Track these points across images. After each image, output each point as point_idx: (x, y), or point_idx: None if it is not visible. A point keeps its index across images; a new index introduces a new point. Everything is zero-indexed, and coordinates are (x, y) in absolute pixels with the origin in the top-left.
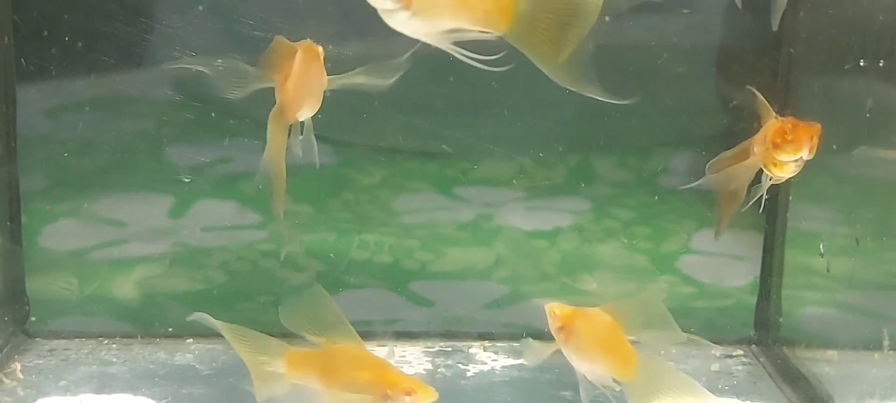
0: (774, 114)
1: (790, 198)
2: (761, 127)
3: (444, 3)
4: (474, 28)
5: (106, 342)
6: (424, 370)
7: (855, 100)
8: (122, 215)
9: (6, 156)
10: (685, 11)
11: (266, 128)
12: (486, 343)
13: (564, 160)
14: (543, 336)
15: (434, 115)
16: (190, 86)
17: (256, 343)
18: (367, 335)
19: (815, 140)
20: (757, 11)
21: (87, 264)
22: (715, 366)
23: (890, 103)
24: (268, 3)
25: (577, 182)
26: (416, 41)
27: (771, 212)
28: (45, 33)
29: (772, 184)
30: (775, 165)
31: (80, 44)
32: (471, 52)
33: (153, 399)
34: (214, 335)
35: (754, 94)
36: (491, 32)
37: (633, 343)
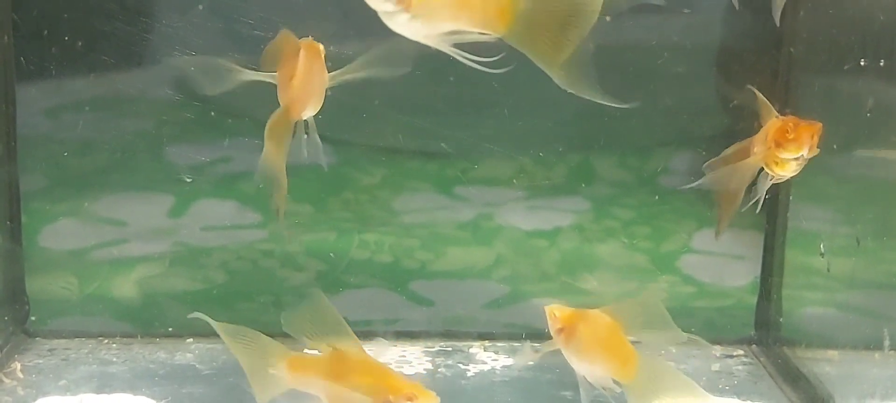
0: (776, 113)
1: (791, 197)
2: (762, 126)
3: (443, 5)
4: (474, 30)
5: (106, 341)
6: (425, 370)
7: (855, 100)
8: (121, 215)
9: (6, 155)
10: (685, 11)
11: (265, 127)
12: (487, 343)
13: (565, 160)
14: (543, 336)
15: (434, 115)
16: (190, 85)
17: (257, 347)
18: (367, 335)
19: (816, 138)
20: (757, 11)
21: (86, 264)
22: (715, 366)
23: (890, 103)
24: (268, 3)
25: (578, 181)
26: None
27: (771, 212)
28: (45, 33)
29: (772, 184)
30: (777, 164)
31: (79, 43)
32: (470, 52)
33: (153, 398)
34: (215, 334)
35: (755, 94)
36: (490, 34)
37: (634, 343)
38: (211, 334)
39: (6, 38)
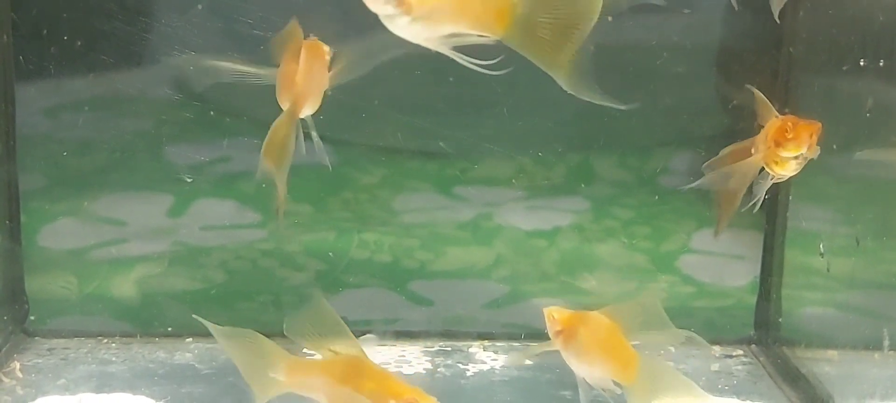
0: (775, 112)
1: (790, 197)
2: (761, 126)
3: (443, 8)
4: (473, 32)
5: (105, 341)
6: (424, 369)
7: (855, 100)
8: (121, 214)
9: (5, 155)
10: (685, 11)
11: (265, 127)
12: (486, 343)
13: (564, 159)
14: (543, 336)
15: (434, 115)
16: (189, 85)
17: (256, 349)
18: (363, 334)
19: (816, 137)
20: (757, 11)
21: (86, 263)
22: (715, 366)
23: (890, 103)
24: (267, 3)
25: (577, 181)
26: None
27: (771, 212)
28: (45, 32)
29: (773, 184)
30: (777, 163)
31: (79, 43)
32: (471, 53)
33: (152, 398)
34: None
35: (754, 94)
36: (490, 36)
37: (633, 345)
38: (210, 334)
39: (5, 37)
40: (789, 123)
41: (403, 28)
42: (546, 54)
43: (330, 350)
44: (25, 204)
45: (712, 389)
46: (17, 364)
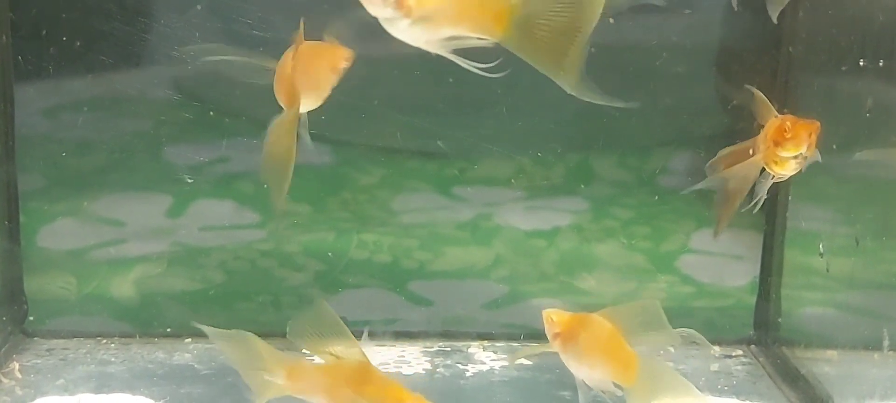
0: (774, 112)
1: (790, 197)
2: (761, 126)
3: (443, 11)
4: (473, 35)
5: (104, 341)
6: (423, 370)
7: (855, 100)
8: (120, 215)
9: (4, 155)
10: (685, 11)
11: (264, 127)
12: (485, 343)
13: (563, 160)
14: (542, 336)
15: (433, 115)
16: (188, 85)
17: (256, 353)
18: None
19: (815, 136)
20: (756, 11)
21: (85, 263)
22: (714, 366)
23: (890, 103)
24: (266, 3)
25: (577, 181)
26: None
27: (770, 212)
28: (44, 32)
29: (773, 184)
30: (776, 163)
31: (78, 43)
32: (470, 55)
33: (151, 398)
34: None
35: (753, 93)
36: (489, 39)
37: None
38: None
39: (4, 37)
40: (788, 123)
41: (403, 31)
42: (545, 57)
43: (332, 355)
44: (24, 204)
45: (712, 389)
46: (16, 365)
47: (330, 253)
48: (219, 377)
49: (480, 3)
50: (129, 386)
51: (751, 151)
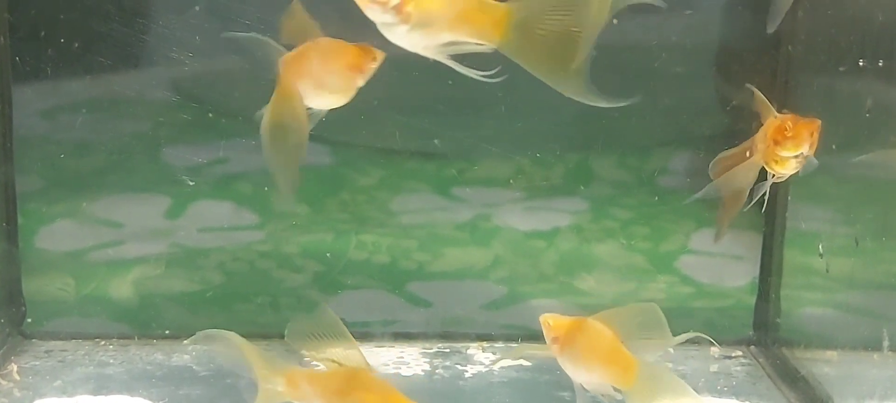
0: (774, 111)
1: (789, 198)
2: (761, 126)
3: (441, 17)
4: (471, 41)
5: (103, 343)
6: (422, 371)
7: (854, 100)
8: (118, 216)
9: (2, 156)
10: (685, 12)
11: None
12: (485, 344)
13: (563, 160)
14: (541, 337)
15: (432, 116)
16: (187, 87)
17: (256, 358)
18: (365, 336)
19: (816, 135)
20: (756, 11)
21: (83, 265)
22: (714, 367)
23: (889, 103)
24: (265, 4)
25: (576, 182)
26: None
27: (770, 213)
28: (42, 34)
29: (773, 183)
30: (777, 162)
31: (76, 44)
32: (470, 59)
33: (150, 400)
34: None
35: (753, 93)
36: (487, 45)
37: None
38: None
39: (2, 39)
40: (788, 122)
41: (401, 37)
42: (544, 63)
43: (333, 361)
44: (23, 205)
45: (711, 390)
46: (15, 367)
47: (328, 254)
48: (217, 378)
49: (479, 9)
50: (127, 388)
51: (747, 154)
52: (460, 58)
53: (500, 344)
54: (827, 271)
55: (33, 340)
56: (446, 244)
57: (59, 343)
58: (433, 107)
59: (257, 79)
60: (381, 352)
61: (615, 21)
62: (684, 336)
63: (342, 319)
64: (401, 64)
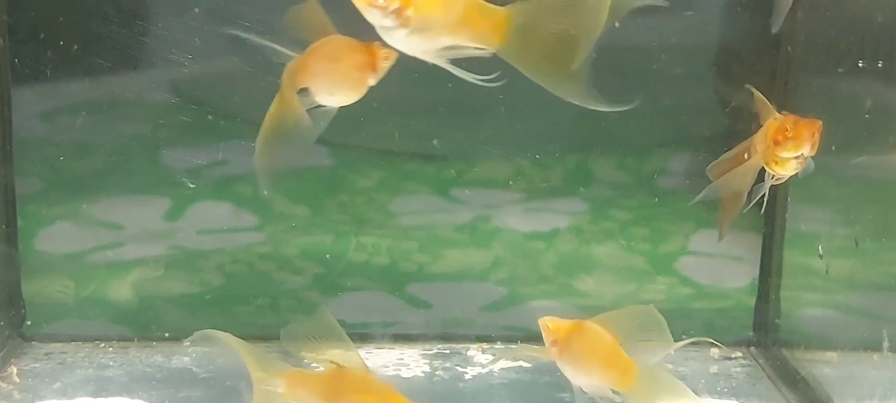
0: (774, 111)
1: (789, 199)
2: (761, 126)
3: (441, 21)
4: (471, 45)
5: (102, 345)
6: (422, 372)
7: (854, 101)
8: (118, 218)
9: (2, 159)
10: (685, 13)
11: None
12: (484, 346)
13: (562, 161)
14: (540, 338)
15: (431, 117)
16: (186, 89)
17: (256, 359)
18: (364, 338)
19: (817, 136)
20: (756, 12)
21: (83, 267)
22: (714, 368)
23: (889, 104)
24: (264, 5)
25: (575, 183)
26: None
27: (770, 214)
28: (41, 36)
29: (773, 184)
30: (777, 163)
31: (75, 46)
32: (468, 63)
33: (149, 402)
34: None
35: (753, 93)
36: (487, 49)
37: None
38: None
39: (1, 41)
40: (789, 123)
41: (400, 40)
42: (543, 67)
43: (332, 363)
44: (22, 207)
45: (711, 391)
46: (14, 369)
47: (328, 256)
48: (217, 380)
49: (478, 13)
50: (127, 390)
51: (746, 155)
52: (459, 61)
53: (499, 346)
54: (827, 272)
55: (33, 342)
56: (446, 245)
57: (59, 345)
58: (433, 108)
59: (257, 81)
60: (381, 354)
61: (617, 23)
62: (685, 341)
63: (342, 321)
64: (400, 65)
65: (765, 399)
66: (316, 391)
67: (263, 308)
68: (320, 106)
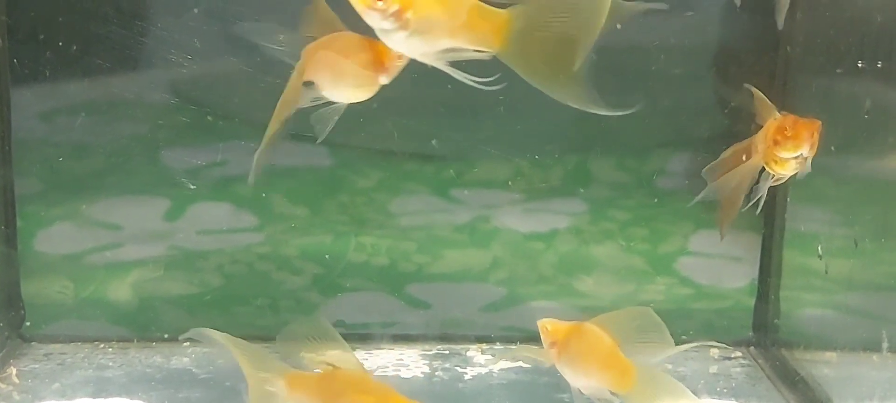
0: (775, 111)
1: (788, 199)
2: (760, 126)
3: (440, 24)
4: (470, 47)
5: (102, 346)
6: (422, 373)
7: (853, 102)
8: (117, 218)
9: (1, 159)
10: (684, 13)
11: (262, 130)
12: (484, 346)
13: (561, 162)
14: (540, 339)
15: (431, 117)
16: (185, 89)
17: (256, 360)
18: (364, 338)
19: (816, 136)
20: (755, 12)
21: (82, 268)
22: (713, 368)
23: (888, 104)
24: (263, 6)
25: (575, 184)
26: None
27: (769, 214)
28: (40, 36)
29: (773, 185)
30: (776, 163)
31: (74, 47)
32: (468, 65)
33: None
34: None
35: (753, 93)
36: (487, 52)
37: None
38: (208, 339)
39: (1, 41)
40: (788, 122)
41: (400, 43)
42: (543, 71)
43: (329, 365)
44: (21, 208)
45: (711, 391)
46: (14, 370)
47: (327, 256)
48: (217, 381)
49: (478, 16)
50: (126, 391)
51: (744, 157)
52: (458, 63)
53: (499, 346)
54: (826, 272)
55: (32, 343)
56: (445, 246)
57: (58, 346)
58: (432, 108)
59: (256, 81)
60: (381, 354)
61: (619, 26)
62: (687, 346)
63: (341, 321)
64: None
65: (764, 400)
66: (313, 391)
67: (263, 308)
68: (331, 102)
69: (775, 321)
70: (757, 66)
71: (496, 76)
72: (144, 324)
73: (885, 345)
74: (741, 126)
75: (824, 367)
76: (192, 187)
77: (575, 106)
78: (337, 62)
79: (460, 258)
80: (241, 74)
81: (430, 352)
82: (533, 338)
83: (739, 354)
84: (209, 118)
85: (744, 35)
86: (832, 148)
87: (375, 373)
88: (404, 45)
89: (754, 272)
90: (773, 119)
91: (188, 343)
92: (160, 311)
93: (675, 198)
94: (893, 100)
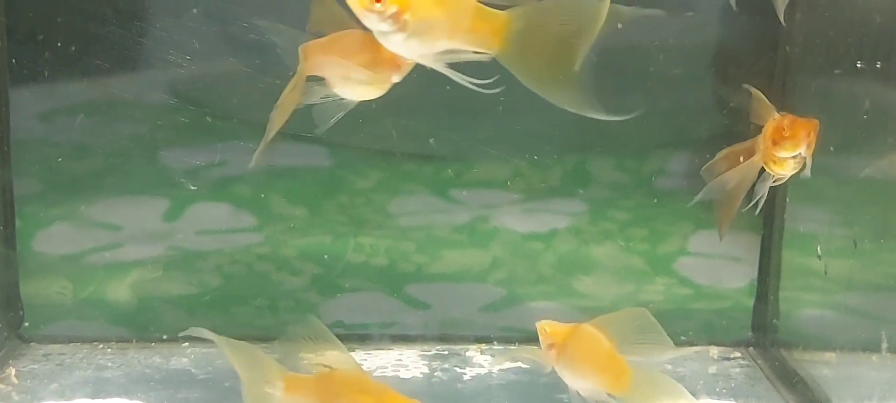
0: (775, 111)
1: (788, 199)
2: (756, 125)
3: (439, 26)
4: (469, 49)
5: (101, 346)
6: (421, 373)
7: (852, 102)
8: (116, 219)
9: (0, 160)
10: (684, 14)
11: (261, 131)
12: (483, 346)
13: (561, 162)
14: (539, 339)
15: (430, 118)
16: (184, 89)
17: (255, 362)
18: (363, 338)
19: (813, 136)
20: (754, 13)
21: (81, 268)
22: (712, 369)
23: (888, 105)
24: (262, 6)
25: (574, 184)
26: None
27: (768, 214)
28: (39, 37)
29: (773, 185)
30: (775, 163)
31: (73, 47)
32: (467, 66)
33: None
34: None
35: (752, 93)
36: (486, 53)
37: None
38: (206, 338)
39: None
40: (786, 122)
41: (398, 44)
42: (542, 73)
43: (325, 367)
44: (20, 208)
45: (710, 392)
46: (13, 371)
47: (327, 257)
48: (216, 382)
49: (478, 18)
50: (125, 391)
51: (741, 158)
52: (457, 64)
53: (498, 346)
54: (825, 272)
55: (31, 344)
56: (444, 246)
57: (57, 346)
58: (431, 109)
59: (255, 82)
60: (380, 355)
61: (620, 25)
62: (689, 350)
63: (340, 321)
64: None
65: (763, 400)
66: (312, 392)
67: (262, 309)
68: (341, 100)
69: (774, 321)
70: (756, 67)
71: (495, 78)
72: (143, 325)
73: (884, 346)
74: (741, 126)
75: (823, 368)
76: (192, 188)
77: (573, 111)
78: (343, 58)
79: (459, 258)
80: (240, 75)
81: (430, 353)
82: (532, 339)
83: (738, 354)
84: (208, 118)
85: (743, 35)
86: (831, 148)
87: (374, 374)
88: (403, 47)
89: (753, 272)
90: (773, 119)
91: (187, 344)
92: (159, 312)
93: (674, 199)
94: (892, 101)
